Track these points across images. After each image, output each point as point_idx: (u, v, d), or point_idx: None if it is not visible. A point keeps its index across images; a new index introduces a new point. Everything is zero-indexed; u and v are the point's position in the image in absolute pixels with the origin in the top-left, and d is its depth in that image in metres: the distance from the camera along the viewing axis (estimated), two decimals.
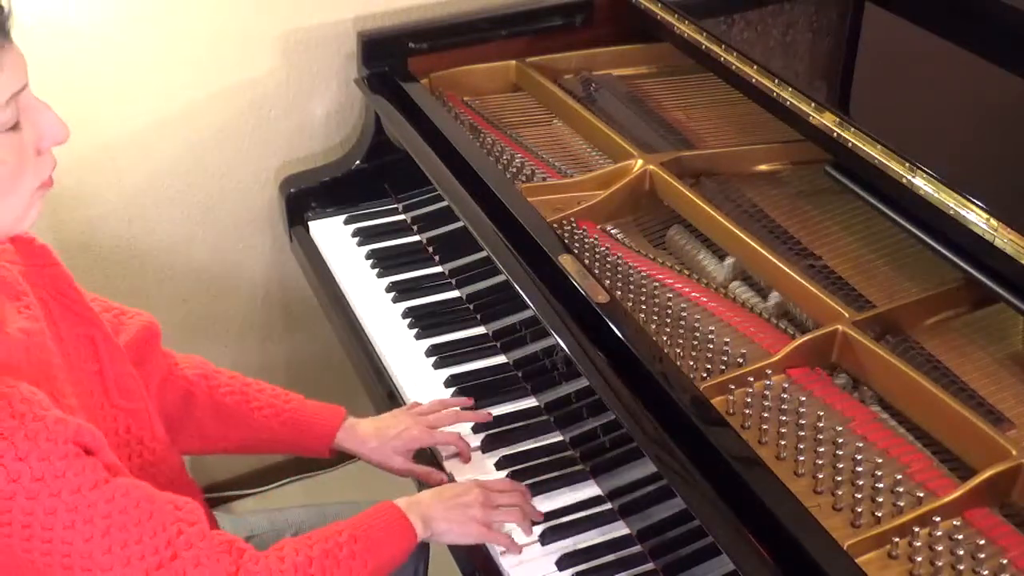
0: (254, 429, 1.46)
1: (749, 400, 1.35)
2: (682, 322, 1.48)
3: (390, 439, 1.48)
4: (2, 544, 1.03)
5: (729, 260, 1.59)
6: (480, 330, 1.71)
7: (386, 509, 1.30)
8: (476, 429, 1.54)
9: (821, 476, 1.25)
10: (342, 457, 1.56)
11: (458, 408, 1.54)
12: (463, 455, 1.50)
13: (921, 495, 1.22)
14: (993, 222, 1.30)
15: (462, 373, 1.63)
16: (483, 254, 1.62)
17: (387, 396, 1.66)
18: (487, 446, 1.51)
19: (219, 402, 1.45)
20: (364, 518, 1.28)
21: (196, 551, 1.09)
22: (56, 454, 1.02)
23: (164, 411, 1.39)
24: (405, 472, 1.50)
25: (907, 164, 1.41)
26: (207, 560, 1.09)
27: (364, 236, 1.91)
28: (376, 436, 1.49)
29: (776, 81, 1.62)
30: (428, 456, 1.52)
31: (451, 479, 1.48)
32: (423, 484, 1.50)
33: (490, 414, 1.54)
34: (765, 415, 1.32)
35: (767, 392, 1.35)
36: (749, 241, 1.55)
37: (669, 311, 1.50)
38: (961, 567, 1.16)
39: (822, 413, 1.33)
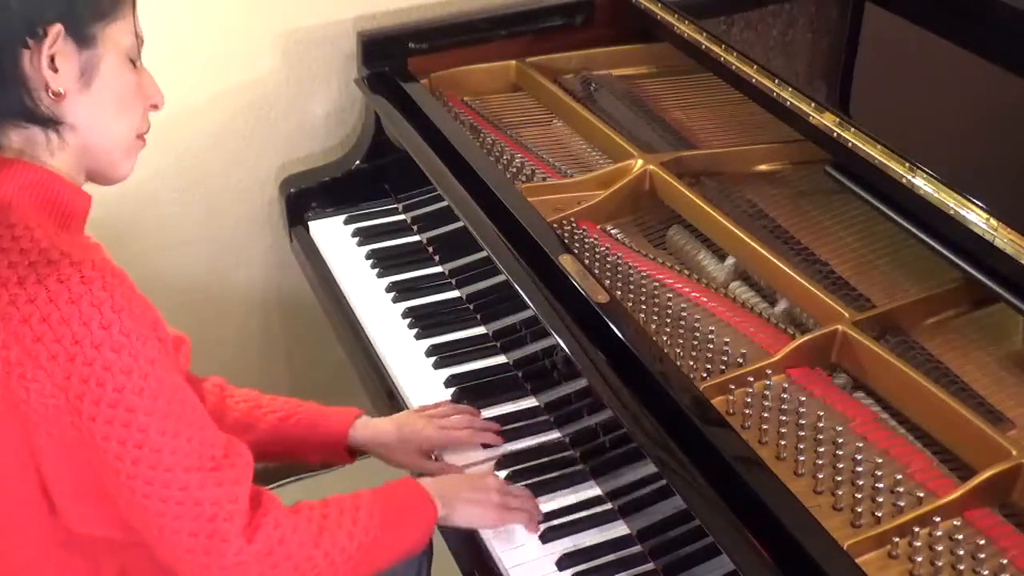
0: (264, 432, 1.46)
1: (749, 400, 1.35)
2: (682, 322, 1.48)
3: (407, 438, 1.48)
4: (72, 409, 1.06)
5: (730, 261, 1.59)
6: (480, 330, 1.71)
7: (408, 483, 1.32)
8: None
9: (821, 476, 1.25)
10: None
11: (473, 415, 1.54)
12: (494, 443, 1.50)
13: (921, 495, 1.22)
14: (993, 222, 1.30)
15: (462, 373, 1.63)
16: (483, 254, 1.62)
17: (387, 396, 1.66)
18: (487, 446, 1.51)
19: (229, 410, 1.45)
20: (385, 488, 1.30)
21: (236, 472, 1.14)
22: (145, 322, 1.09)
23: None
24: (424, 470, 1.48)
25: (907, 164, 1.41)
26: (243, 483, 1.15)
27: (364, 236, 1.92)
28: (395, 434, 1.48)
29: (776, 81, 1.62)
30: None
31: None
32: None
33: (498, 428, 1.53)
34: (765, 415, 1.32)
35: (767, 392, 1.35)
36: (749, 241, 1.55)
37: (669, 311, 1.49)
38: (961, 567, 1.16)
39: (822, 413, 1.32)
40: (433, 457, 1.50)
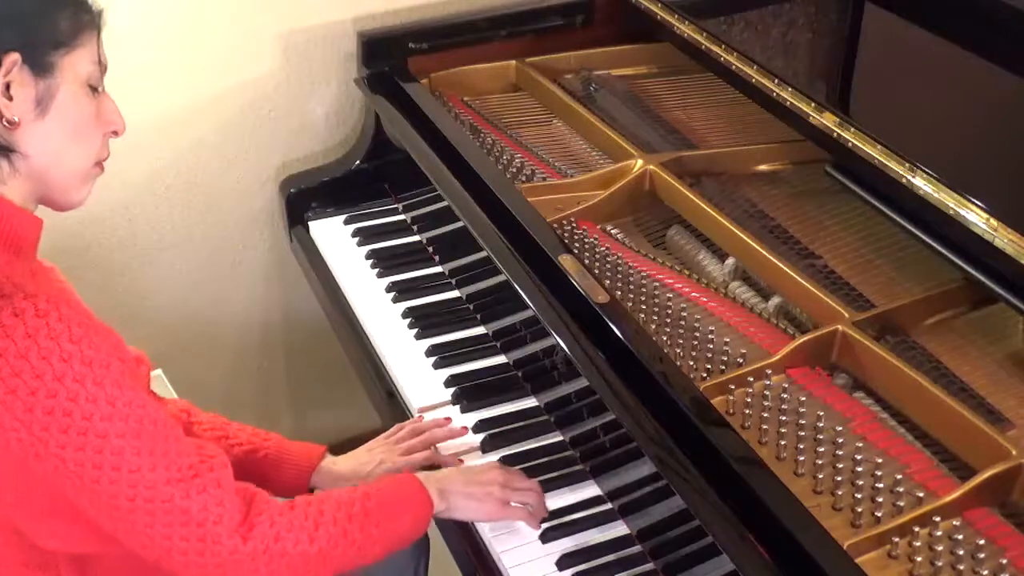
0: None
1: (749, 400, 1.35)
2: (682, 322, 1.48)
3: (366, 476, 1.46)
4: (37, 440, 1.05)
5: (730, 261, 1.59)
6: (480, 330, 1.71)
7: (405, 478, 1.33)
8: (476, 429, 1.54)
9: (821, 476, 1.25)
10: None
11: (436, 430, 1.52)
12: (448, 463, 1.49)
13: (921, 495, 1.22)
14: (993, 222, 1.30)
15: (462, 373, 1.63)
16: (483, 254, 1.62)
17: (387, 396, 1.66)
18: (487, 446, 1.51)
19: (195, 437, 1.44)
20: (381, 483, 1.31)
21: (218, 475, 1.15)
22: (104, 348, 1.08)
23: None
24: None
25: (907, 164, 1.41)
26: (226, 486, 1.15)
27: (364, 236, 1.92)
28: (352, 477, 1.47)
29: (776, 81, 1.62)
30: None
31: None
32: None
33: (465, 428, 1.52)
34: (765, 415, 1.32)
35: (767, 392, 1.35)
36: (749, 241, 1.55)
37: (669, 311, 1.50)
38: (961, 567, 1.16)
39: (822, 413, 1.32)
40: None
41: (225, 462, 1.17)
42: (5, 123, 1.08)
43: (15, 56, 1.06)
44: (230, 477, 1.16)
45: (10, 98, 1.07)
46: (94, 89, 1.15)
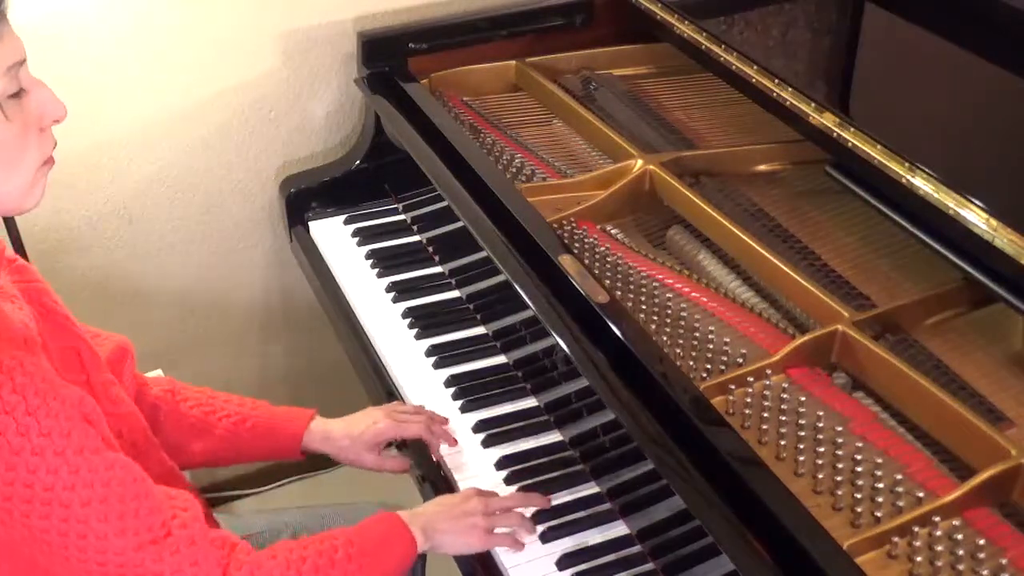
0: (220, 439, 1.45)
1: (749, 400, 1.35)
2: (682, 322, 1.48)
3: (358, 435, 1.48)
4: (2, 511, 1.04)
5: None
6: (480, 330, 1.71)
7: (387, 518, 1.31)
8: (476, 429, 1.54)
9: (821, 476, 1.25)
10: None
11: (434, 424, 1.52)
12: (432, 450, 1.50)
13: (921, 495, 1.22)
14: (993, 222, 1.30)
15: (462, 373, 1.63)
16: (483, 254, 1.62)
17: (387, 396, 1.66)
18: (487, 445, 1.51)
19: (183, 415, 1.44)
20: (363, 525, 1.28)
21: (191, 532, 1.12)
22: (64, 414, 1.06)
23: None
24: (375, 467, 1.50)
25: (907, 164, 1.41)
26: (200, 542, 1.12)
27: (364, 236, 1.92)
28: (345, 434, 1.48)
29: (776, 81, 1.62)
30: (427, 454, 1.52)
31: (449, 479, 1.48)
32: (424, 486, 1.50)
33: (455, 441, 1.52)
34: (765, 415, 1.32)
35: (767, 392, 1.35)
36: (749, 241, 1.55)
37: (669, 311, 1.50)
38: (961, 567, 1.16)
39: (822, 413, 1.33)
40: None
41: (198, 514, 1.15)
42: None
43: None
44: (204, 530, 1.14)
45: None
46: (15, 95, 1.04)
